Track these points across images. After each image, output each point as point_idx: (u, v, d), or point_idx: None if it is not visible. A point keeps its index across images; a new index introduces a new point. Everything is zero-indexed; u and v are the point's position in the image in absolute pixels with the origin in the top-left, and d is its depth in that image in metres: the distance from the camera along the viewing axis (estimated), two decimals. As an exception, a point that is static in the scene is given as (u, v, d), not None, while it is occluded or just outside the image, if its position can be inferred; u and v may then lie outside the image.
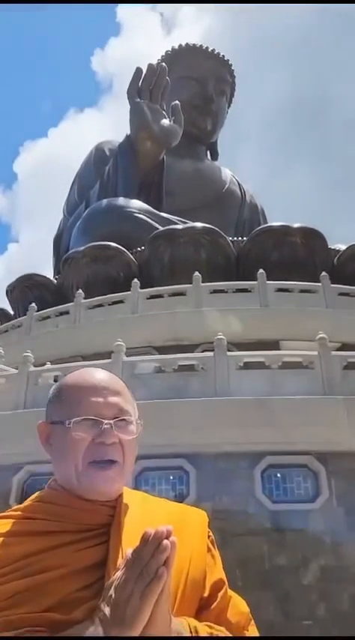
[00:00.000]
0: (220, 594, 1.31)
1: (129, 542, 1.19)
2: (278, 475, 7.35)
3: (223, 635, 1.24)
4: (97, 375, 1.39)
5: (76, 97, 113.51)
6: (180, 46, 23.39)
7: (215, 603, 1.29)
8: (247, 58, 77.20)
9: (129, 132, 18.57)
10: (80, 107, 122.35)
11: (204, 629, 1.20)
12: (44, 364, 10.08)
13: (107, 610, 1.06)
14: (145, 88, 18.26)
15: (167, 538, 1.06)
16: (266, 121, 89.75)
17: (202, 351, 9.94)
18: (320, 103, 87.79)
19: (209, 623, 1.25)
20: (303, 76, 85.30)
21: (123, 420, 1.33)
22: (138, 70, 18.36)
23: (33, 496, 1.37)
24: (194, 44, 23.48)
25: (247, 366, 8.45)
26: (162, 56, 23.19)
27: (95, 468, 1.28)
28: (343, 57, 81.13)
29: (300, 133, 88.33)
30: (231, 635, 1.26)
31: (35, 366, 9.26)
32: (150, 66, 18.58)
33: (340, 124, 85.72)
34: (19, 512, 1.30)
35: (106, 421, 1.30)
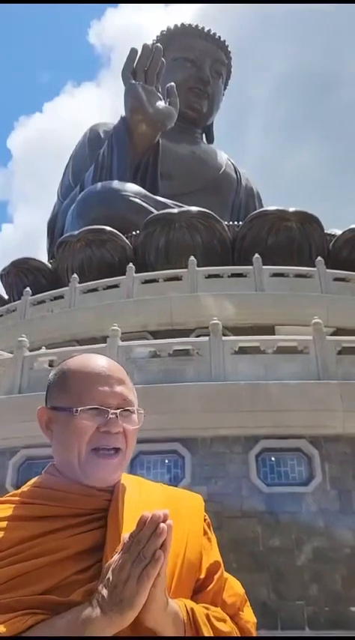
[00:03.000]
0: (216, 576, 1.33)
1: (126, 527, 1.20)
2: (273, 459, 7.42)
3: (224, 626, 1.25)
4: (101, 362, 1.39)
5: (72, 71, 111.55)
6: (175, 26, 23.05)
7: (211, 585, 1.31)
8: (253, 31, 75.92)
9: (124, 113, 18.36)
10: (78, 81, 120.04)
11: (200, 611, 1.22)
12: (39, 348, 10.09)
13: (105, 592, 1.07)
14: (140, 69, 18.02)
15: (163, 522, 1.07)
16: (273, 97, 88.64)
17: (197, 336, 9.96)
18: (329, 79, 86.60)
19: (205, 605, 1.27)
20: (312, 51, 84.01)
21: (128, 409, 1.34)
22: (133, 51, 18.10)
23: (31, 481, 1.37)
24: (189, 24, 23.14)
25: (242, 350, 8.48)
26: (157, 36, 22.87)
27: (99, 456, 1.29)
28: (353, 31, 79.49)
29: (308, 109, 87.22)
30: (228, 618, 1.28)
31: (30, 350, 9.26)
32: (145, 47, 18.32)
33: (350, 100, 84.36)
34: (16, 498, 1.30)
35: (112, 411, 1.31)
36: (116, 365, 1.41)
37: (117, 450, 1.31)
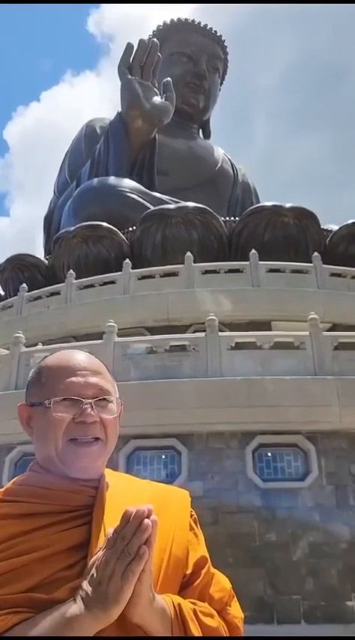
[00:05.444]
0: (203, 571, 1.32)
1: (111, 523, 1.19)
2: (269, 454, 7.43)
3: (211, 621, 1.25)
4: (76, 356, 1.39)
5: (72, 60, 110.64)
6: (171, 20, 22.96)
7: (198, 580, 1.31)
8: (258, 21, 75.18)
9: (120, 109, 18.31)
10: (77, 71, 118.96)
11: (187, 606, 1.22)
12: (35, 345, 10.07)
13: (89, 589, 1.07)
14: (136, 65, 17.96)
15: (148, 517, 1.07)
16: (278, 88, 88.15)
17: (194, 332, 9.95)
18: (335, 70, 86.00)
19: (193, 600, 1.26)
20: (318, 40, 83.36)
21: (104, 399, 1.34)
22: (129, 46, 18.03)
23: (14, 479, 1.37)
24: (186, 19, 23.05)
25: (239, 346, 8.48)
26: (154, 31, 22.79)
27: (76, 444, 1.28)
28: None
29: (314, 100, 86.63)
30: (215, 614, 1.27)
31: (26, 346, 9.24)
32: (141, 42, 18.25)
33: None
34: None
35: (86, 401, 1.30)
36: (93, 359, 1.41)
37: (96, 438, 1.30)
